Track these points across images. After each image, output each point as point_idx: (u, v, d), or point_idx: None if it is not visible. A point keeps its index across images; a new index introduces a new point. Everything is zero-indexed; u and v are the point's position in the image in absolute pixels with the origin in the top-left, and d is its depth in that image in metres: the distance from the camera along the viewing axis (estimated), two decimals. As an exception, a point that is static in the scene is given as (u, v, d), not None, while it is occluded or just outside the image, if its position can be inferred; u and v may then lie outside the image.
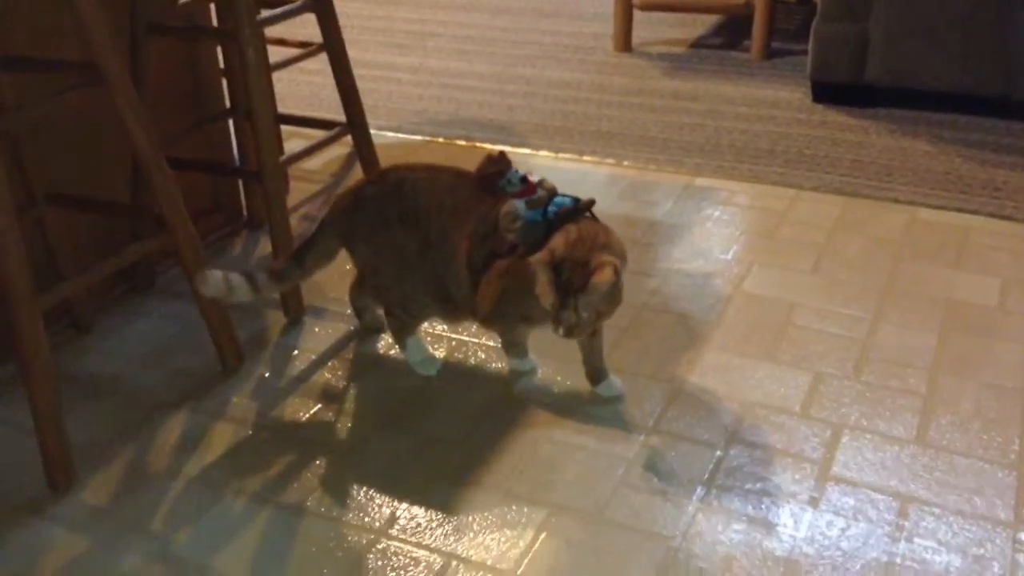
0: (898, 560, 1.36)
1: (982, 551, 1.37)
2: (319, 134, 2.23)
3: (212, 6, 2.27)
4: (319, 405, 1.74)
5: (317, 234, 1.75)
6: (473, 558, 1.39)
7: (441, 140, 2.89)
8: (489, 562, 1.38)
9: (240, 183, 2.42)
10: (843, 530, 1.42)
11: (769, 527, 1.42)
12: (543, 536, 1.42)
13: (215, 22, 2.34)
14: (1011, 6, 2.71)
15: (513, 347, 1.77)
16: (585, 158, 2.73)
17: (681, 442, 1.60)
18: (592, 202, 1.61)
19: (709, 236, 2.28)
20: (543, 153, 2.77)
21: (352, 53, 2.39)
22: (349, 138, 2.33)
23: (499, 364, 1.82)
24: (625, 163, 2.69)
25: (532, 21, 4.15)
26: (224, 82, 2.32)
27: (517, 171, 1.64)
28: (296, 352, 1.90)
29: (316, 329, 1.97)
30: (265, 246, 2.29)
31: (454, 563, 1.38)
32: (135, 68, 1.95)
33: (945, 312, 1.95)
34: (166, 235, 1.71)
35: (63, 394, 1.74)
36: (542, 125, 2.98)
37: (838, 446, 1.58)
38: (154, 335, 1.96)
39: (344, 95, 2.25)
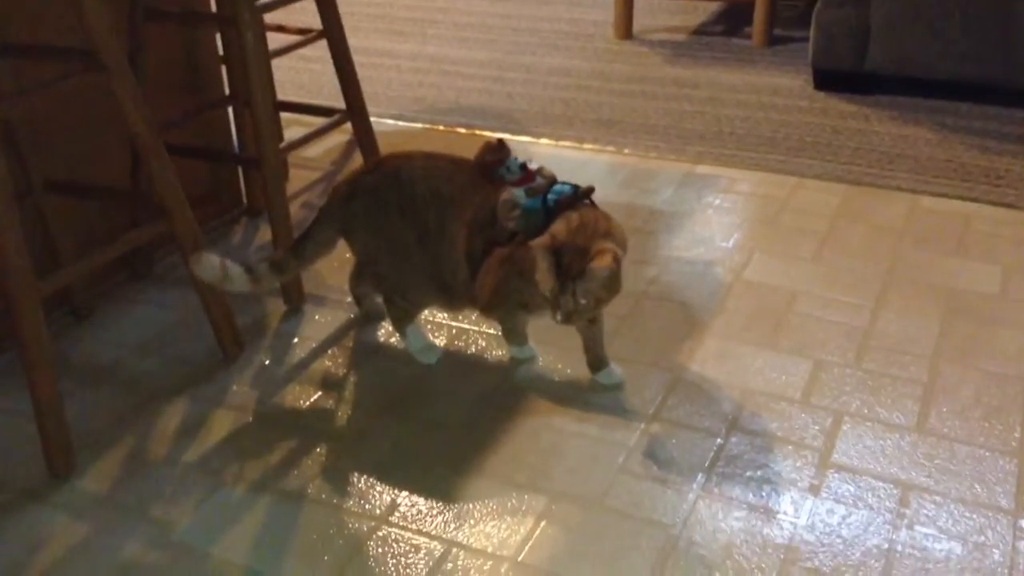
0: (899, 548, 1.36)
1: (983, 539, 1.37)
2: (319, 121, 2.22)
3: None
4: (319, 393, 1.74)
5: (315, 224, 1.74)
6: (473, 545, 1.39)
7: (441, 128, 2.88)
8: (489, 549, 1.38)
9: (239, 170, 2.41)
10: (843, 518, 1.42)
11: (769, 514, 1.42)
12: (543, 523, 1.42)
13: (214, 8, 2.33)
14: (1014, -7, 2.70)
15: (513, 335, 1.77)
16: (586, 146, 2.72)
17: (681, 430, 1.60)
18: (591, 189, 1.60)
19: (710, 224, 2.28)
20: (544, 141, 2.76)
21: (351, 40, 2.38)
22: (349, 125, 2.32)
23: (500, 352, 1.82)
24: (626, 151, 2.68)
25: (532, 8, 4.13)
26: (223, 69, 2.31)
27: (516, 159, 1.63)
28: (296, 340, 1.89)
29: (316, 317, 1.97)
30: (264, 233, 2.29)
31: (454, 550, 1.38)
32: (133, 54, 1.94)
33: (946, 300, 1.94)
34: (165, 222, 1.70)
35: (63, 381, 1.74)
36: (542, 113, 2.97)
37: (839, 434, 1.58)
38: (154, 322, 1.96)
39: (344, 82, 2.24)
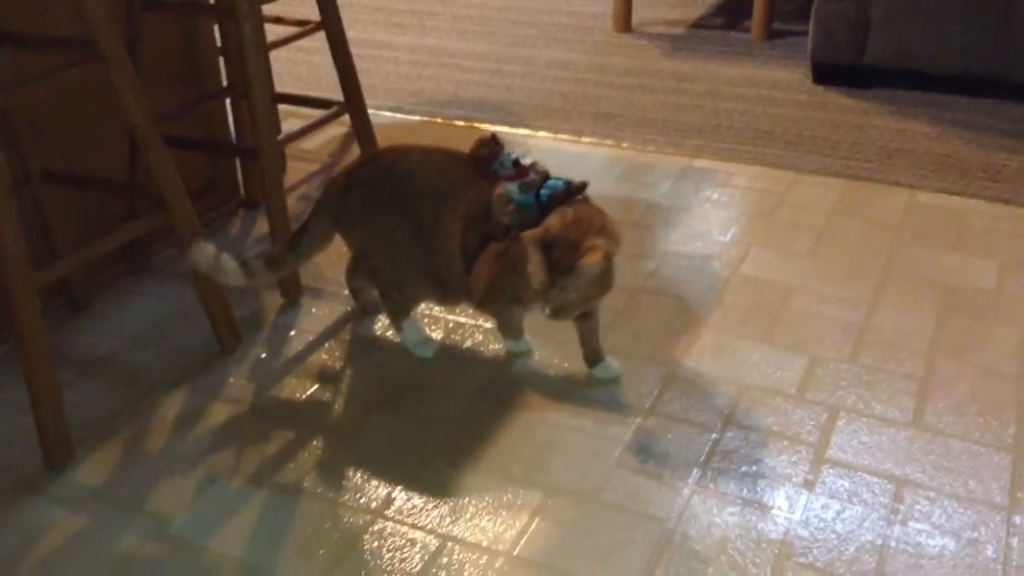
0: (893, 543, 1.37)
1: (976, 534, 1.38)
2: (317, 113, 2.22)
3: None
4: (316, 386, 1.74)
5: (310, 219, 1.74)
6: (469, 539, 1.39)
7: (439, 120, 2.88)
8: (485, 544, 1.39)
9: (237, 162, 2.41)
10: (838, 513, 1.42)
11: (764, 509, 1.43)
12: (539, 518, 1.43)
13: None
14: (1013, -12, 2.70)
15: (508, 329, 1.77)
16: (584, 139, 2.72)
17: (677, 424, 1.61)
18: (585, 184, 1.60)
19: (707, 218, 2.28)
20: (542, 134, 2.76)
21: (350, 32, 2.37)
22: (347, 118, 2.32)
23: (496, 346, 1.82)
24: (624, 144, 2.68)
25: (531, 0, 4.12)
26: (221, 60, 2.31)
27: (509, 154, 1.63)
28: (293, 332, 1.89)
29: (313, 310, 1.97)
30: (262, 225, 2.29)
31: (450, 544, 1.39)
32: (131, 45, 1.94)
33: (943, 295, 1.95)
34: (163, 214, 1.70)
35: (60, 372, 1.74)
36: (541, 106, 2.96)
37: (834, 429, 1.59)
38: (151, 314, 1.96)
39: (342, 74, 2.24)
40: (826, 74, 3.06)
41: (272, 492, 1.49)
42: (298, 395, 1.72)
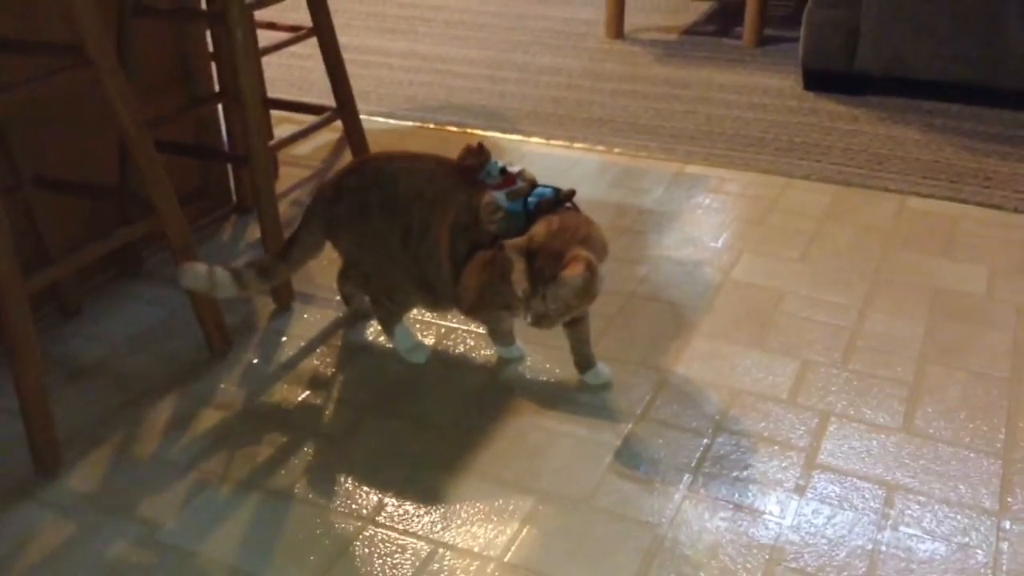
0: (883, 548, 1.37)
1: (967, 539, 1.38)
2: (309, 119, 2.22)
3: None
4: (307, 391, 1.74)
5: (301, 228, 1.75)
6: (460, 545, 1.39)
7: (432, 126, 2.88)
8: (476, 549, 1.38)
9: (229, 167, 2.40)
10: (829, 518, 1.42)
11: (755, 515, 1.43)
12: (530, 524, 1.43)
13: (204, 5, 2.32)
14: (1003, -5, 2.71)
15: (499, 336, 1.77)
16: (576, 145, 2.73)
17: (668, 430, 1.61)
18: (572, 193, 1.60)
19: (699, 224, 2.28)
20: (534, 139, 2.76)
21: (343, 38, 2.38)
22: (339, 123, 2.32)
23: (487, 351, 1.82)
24: (616, 150, 2.69)
25: (524, 7, 4.13)
26: (213, 65, 2.31)
27: (496, 163, 1.63)
28: (284, 338, 1.89)
29: (305, 315, 1.96)
30: (254, 231, 2.28)
31: (441, 551, 1.38)
32: (122, 50, 1.93)
33: (933, 300, 1.95)
34: (154, 219, 1.70)
35: (50, 377, 1.74)
36: (533, 111, 2.97)
37: (825, 434, 1.59)
38: (142, 319, 1.95)
39: (334, 80, 2.24)
40: (817, 81, 3.07)
41: (263, 498, 1.49)
42: (289, 401, 1.71)
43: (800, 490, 1.48)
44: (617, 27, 3.66)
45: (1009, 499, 1.45)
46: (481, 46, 3.62)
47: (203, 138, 2.30)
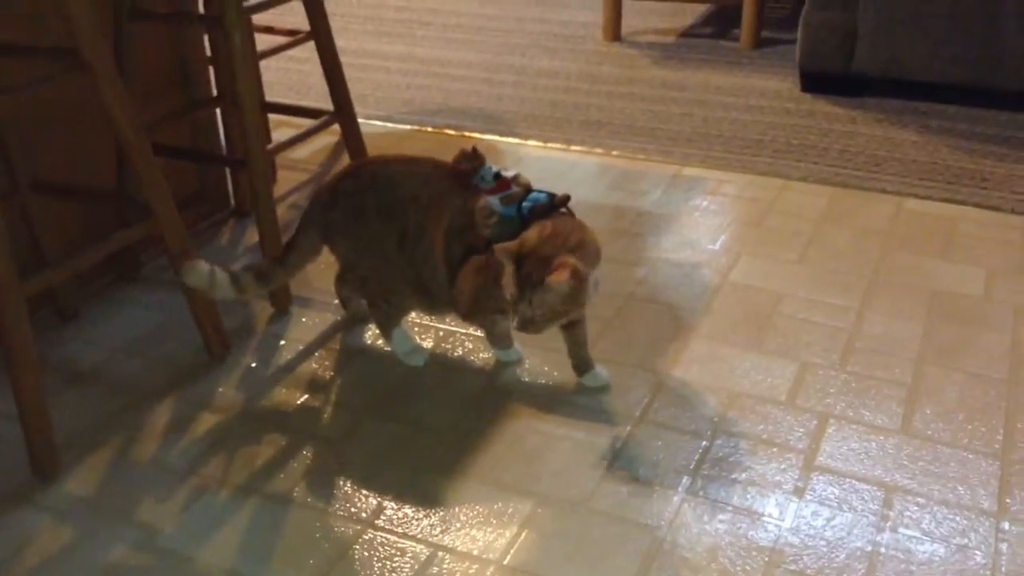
0: (882, 550, 1.37)
1: (965, 541, 1.38)
2: (307, 123, 2.22)
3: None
4: (305, 395, 1.73)
5: (298, 233, 1.75)
6: (459, 549, 1.39)
7: (430, 129, 2.88)
8: (475, 553, 1.38)
9: (227, 171, 2.40)
10: (828, 520, 1.42)
11: (754, 517, 1.43)
12: (529, 527, 1.43)
13: (202, 8, 2.32)
14: (999, -4, 2.72)
15: (496, 339, 1.77)
16: (574, 147, 2.73)
17: (667, 432, 1.61)
18: (567, 198, 1.60)
19: (697, 226, 2.28)
20: (532, 142, 2.77)
21: (340, 41, 2.38)
22: (337, 127, 2.32)
23: (486, 354, 1.82)
24: (614, 152, 2.69)
25: (521, 10, 4.14)
26: (211, 69, 2.31)
27: (491, 168, 1.63)
28: (283, 342, 1.89)
29: (303, 319, 1.96)
30: (252, 235, 2.28)
31: (440, 554, 1.38)
32: (119, 54, 1.93)
33: (931, 302, 1.95)
34: (152, 223, 1.70)
35: (48, 381, 1.73)
36: (531, 114, 2.97)
37: (823, 436, 1.59)
38: (140, 323, 1.95)
39: (332, 84, 2.24)
40: (814, 83, 3.07)
41: (261, 502, 1.49)
42: (288, 404, 1.71)
43: (799, 492, 1.47)
44: (614, 30, 3.66)
45: (1008, 500, 1.45)
46: (478, 49, 3.62)
47: (201, 142, 2.30)
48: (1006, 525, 1.41)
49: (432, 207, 1.63)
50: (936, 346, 1.81)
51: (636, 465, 1.54)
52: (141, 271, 2.14)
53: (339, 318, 1.96)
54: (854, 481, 1.49)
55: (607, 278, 2.05)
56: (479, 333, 1.87)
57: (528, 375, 1.76)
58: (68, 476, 1.55)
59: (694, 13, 4.01)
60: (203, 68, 2.27)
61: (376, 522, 1.44)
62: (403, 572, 1.35)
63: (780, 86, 3.15)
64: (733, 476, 1.51)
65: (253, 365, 1.82)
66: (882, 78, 2.96)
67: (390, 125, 2.92)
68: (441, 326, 1.91)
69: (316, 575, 1.35)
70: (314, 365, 1.82)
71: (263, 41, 2.51)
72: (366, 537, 1.42)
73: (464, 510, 1.46)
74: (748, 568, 1.34)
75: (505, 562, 1.36)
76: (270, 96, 2.88)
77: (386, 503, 1.48)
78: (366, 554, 1.39)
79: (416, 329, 1.90)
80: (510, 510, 1.45)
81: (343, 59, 2.26)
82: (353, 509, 1.47)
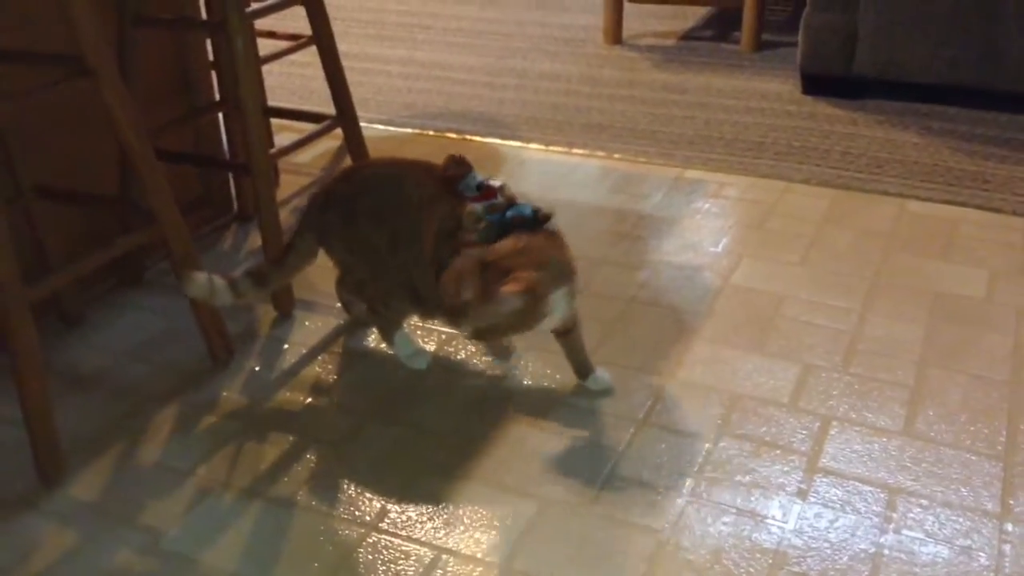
0: (886, 551, 1.37)
1: (969, 542, 1.38)
2: (309, 127, 2.22)
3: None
4: (309, 398, 1.74)
5: (295, 235, 1.75)
6: (463, 551, 1.39)
7: (431, 133, 2.89)
8: (479, 555, 1.39)
9: (230, 176, 2.41)
10: (831, 522, 1.42)
11: (758, 519, 1.43)
12: (532, 529, 1.43)
13: (204, 14, 2.33)
14: (1000, -2, 2.72)
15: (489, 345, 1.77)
16: (575, 150, 2.73)
17: (670, 435, 1.61)
18: (549, 215, 1.59)
19: (699, 228, 2.29)
20: (533, 145, 2.77)
21: (342, 46, 2.38)
22: (339, 131, 2.32)
23: (488, 357, 1.83)
24: (615, 155, 2.69)
25: (522, 13, 4.14)
26: (214, 74, 2.31)
27: (475, 176, 1.62)
28: (286, 346, 1.89)
29: (306, 323, 1.97)
30: (255, 239, 2.29)
31: (444, 556, 1.39)
32: (122, 60, 1.94)
33: (933, 304, 1.96)
34: (155, 228, 1.70)
35: (52, 387, 1.74)
36: (532, 117, 2.97)
37: (826, 438, 1.59)
38: (144, 328, 1.96)
39: (334, 88, 2.24)
40: (815, 85, 3.07)
41: (265, 505, 1.49)
42: (291, 408, 1.71)
43: (802, 494, 1.48)
44: (615, 33, 3.67)
45: (1011, 501, 1.45)
46: (479, 53, 3.63)
47: (203, 147, 2.31)
48: (1009, 527, 1.41)
49: (423, 210, 1.63)
50: (938, 348, 1.82)
51: (639, 468, 1.54)
52: (145, 276, 2.14)
53: (342, 322, 1.96)
54: (857, 483, 1.49)
55: (609, 281, 2.06)
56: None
57: (531, 378, 1.77)
58: (73, 480, 1.55)
59: (695, 16, 4.01)
60: (205, 73, 2.28)
61: (380, 525, 1.45)
62: (407, 575, 1.36)
63: (781, 88, 3.15)
64: (736, 478, 1.51)
65: (257, 369, 1.82)
66: (883, 80, 2.96)
67: (392, 129, 2.92)
68: (443, 329, 1.92)
69: (320, 578, 1.36)
70: (317, 369, 1.82)
71: (265, 46, 2.52)
72: (370, 540, 1.42)
73: (467, 513, 1.46)
74: (752, 570, 1.34)
75: (509, 564, 1.37)
76: (272, 100, 2.88)
77: (390, 506, 1.48)
78: (370, 557, 1.39)
79: (419, 332, 1.91)
80: (513, 513, 1.46)
81: (344, 63, 2.26)
82: (357, 512, 1.47)
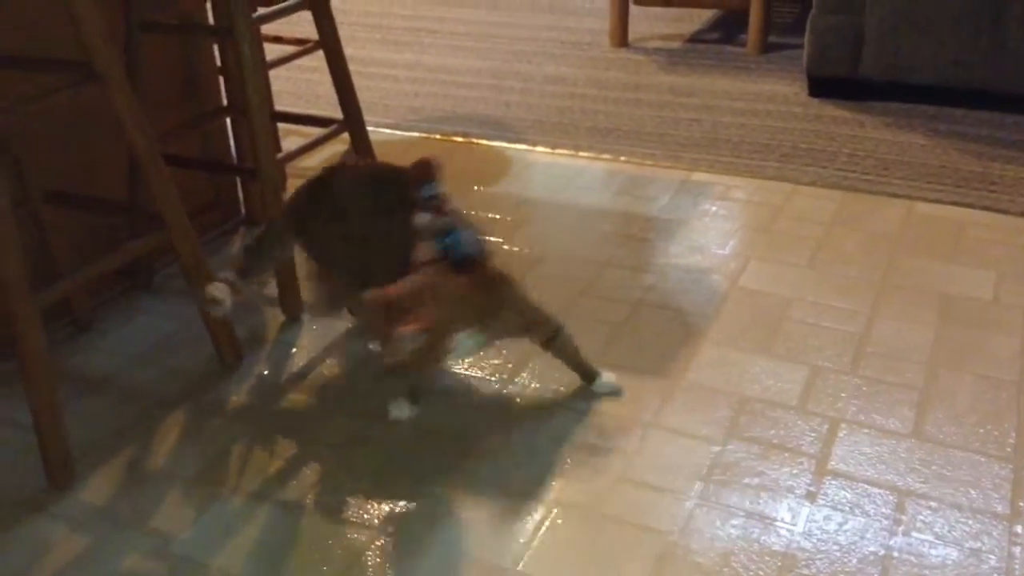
0: (895, 554, 1.37)
1: (979, 544, 1.38)
2: (316, 131, 2.23)
3: (208, 3, 2.27)
4: (317, 402, 1.74)
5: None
6: (472, 555, 1.39)
7: (438, 137, 2.89)
8: (488, 559, 1.39)
9: (238, 181, 2.42)
10: (840, 524, 1.42)
11: (767, 522, 1.43)
12: (542, 532, 1.43)
13: (211, 18, 2.34)
14: (1007, -1, 2.72)
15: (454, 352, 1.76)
16: (582, 153, 2.73)
17: (678, 437, 1.61)
18: (479, 258, 1.57)
19: (706, 231, 2.28)
20: (540, 149, 2.77)
21: (348, 50, 2.39)
22: (346, 135, 2.33)
23: (496, 360, 1.83)
24: (622, 158, 2.69)
25: (528, 17, 4.15)
26: (221, 79, 2.32)
27: (432, 189, 1.59)
28: (294, 349, 1.90)
29: (313, 327, 1.97)
30: (262, 243, 2.29)
31: (453, 559, 1.39)
32: (130, 65, 1.95)
33: (941, 305, 1.95)
34: (163, 232, 1.71)
35: (62, 391, 1.74)
36: (539, 121, 2.98)
37: (835, 440, 1.59)
38: (153, 333, 1.96)
39: (340, 92, 2.25)
40: (822, 87, 3.07)
41: (274, 509, 1.49)
42: (299, 411, 1.72)
43: (811, 497, 1.48)
44: (621, 36, 3.67)
45: (1021, 503, 1.45)
46: (485, 56, 3.63)
47: (210, 151, 2.31)
48: (1019, 529, 1.41)
49: (382, 215, 1.63)
50: (947, 350, 1.81)
51: (648, 470, 1.54)
52: (154, 280, 2.15)
53: (349, 325, 1.96)
54: (866, 485, 1.49)
55: (616, 284, 2.06)
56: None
57: (539, 380, 1.77)
58: (83, 485, 1.56)
59: (701, 19, 4.01)
60: (213, 78, 2.29)
61: (388, 528, 1.45)
62: (416, 578, 1.36)
63: (787, 91, 3.15)
64: (745, 481, 1.51)
65: (265, 373, 1.83)
66: (889, 82, 2.96)
67: (398, 133, 2.93)
68: (451, 333, 1.92)
69: (330, 582, 1.36)
70: (325, 372, 1.82)
71: (272, 50, 2.53)
72: (378, 543, 1.42)
73: (476, 516, 1.46)
74: (761, 573, 1.34)
75: (518, 568, 1.37)
76: (279, 105, 2.89)
77: (398, 509, 1.48)
78: (378, 560, 1.39)
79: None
80: (522, 516, 1.46)
81: (351, 67, 2.26)
82: (365, 515, 1.47)
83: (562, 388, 1.74)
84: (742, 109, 3.01)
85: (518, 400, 1.72)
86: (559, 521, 1.44)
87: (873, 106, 2.98)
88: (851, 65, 2.95)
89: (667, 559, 1.37)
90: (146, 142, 1.63)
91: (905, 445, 1.58)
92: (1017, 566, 1.34)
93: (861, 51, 2.92)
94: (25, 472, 1.58)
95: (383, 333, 1.45)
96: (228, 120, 2.35)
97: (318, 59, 2.72)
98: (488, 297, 1.57)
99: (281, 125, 2.70)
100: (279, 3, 2.04)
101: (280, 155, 2.09)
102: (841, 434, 1.60)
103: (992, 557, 1.36)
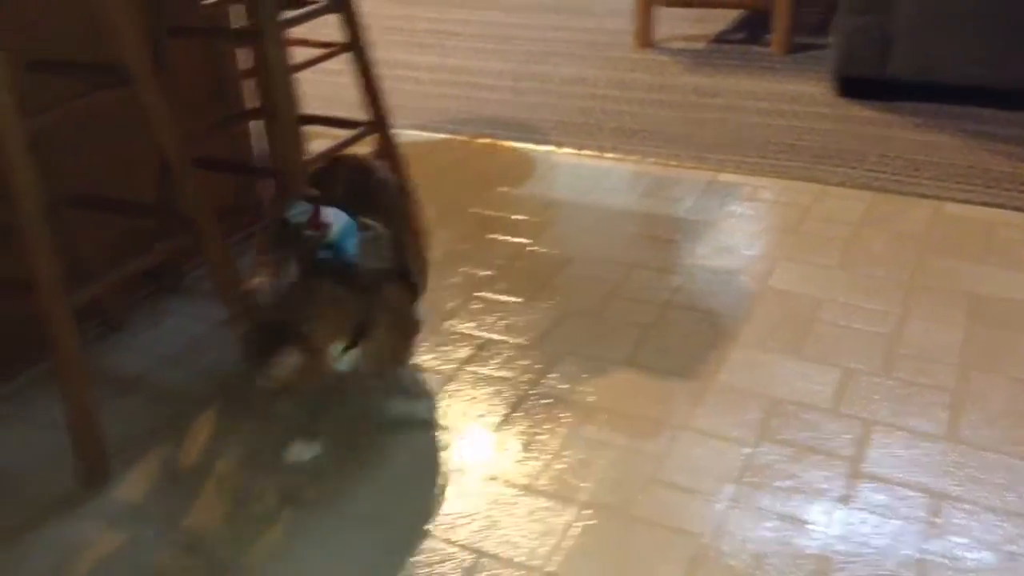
0: (930, 557, 1.35)
1: (1015, 547, 1.36)
2: (343, 133, 2.24)
3: (234, 6, 2.28)
4: (346, 403, 1.74)
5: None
6: (502, 555, 1.39)
7: (463, 138, 2.90)
8: (519, 559, 1.38)
9: (264, 182, 2.43)
10: (875, 527, 1.41)
11: (800, 525, 1.42)
12: (572, 533, 1.42)
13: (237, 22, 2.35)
14: (1037, -2, 2.69)
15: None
16: (607, 155, 2.73)
17: (709, 439, 1.60)
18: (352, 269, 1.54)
19: (733, 232, 2.27)
20: (565, 150, 2.77)
21: (373, 53, 2.39)
22: (372, 137, 2.34)
23: (524, 361, 1.83)
24: (648, 159, 2.69)
25: (551, 18, 4.15)
26: (249, 83, 2.33)
27: (299, 213, 1.55)
28: (323, 351, 1.90)
29: (342, 328, 1.98)
30: (290, 245, 2.30)
31: (483, 560, 1.39)
32: (158, 69, 1.96)
33: (971, 306, 1.93)
34: (191, 235, 1.72)
35: (95, 392, 1.76)
36: (563, 122, 2.97)
37: (869, 443, 1.58)
38: (183, 334, 1.97)
39: (367, 95, 2.26)
40: (849, 87, 3.05)
41: (304, 509, 1.50)
42: (329, 413, 1.72)
43: (845, 500, 1.46)
44: (646, 36, 3.66)
45: (1058, 507, 1.43)
46: (509, 58, 3.64)
47: (237, 154, 2.33)
48: (1057, 532, 1.39)
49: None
50: (978, 351, 1.79)
51: (680, 472, 1.53)
52: (183, 282, 2.16)
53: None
54: (901, 488, 1.48)
55: (644, 286, 2.05)
56: (523, 339, 1.87)
57: (568, 382, 1.76)
58: (116, 484, 1.57)
59: (726, 19, 4.00)
60: (238, 82, 2.30)
61: (418, 528, 1.45)
62: (448, 579, 1.36)
63: (814, 91, 3.13)
64: (777, 483, 1.50)
65: (294, 374, 1.83)
66: (918, 82, 2.93)
67: (424, 134, 2.93)
68: (480, 334, 1.92)
69: (362, 582, 1.36)
70: (354, 374, 1.83)
71: (301, 53, 2.54)
72: (408, 543, 1.42)
73: (507, 517, 1.46)
74: (795, 576, 1.33)
75: (548, 568, 1.36)
76: (306, 108, 2.90)
77: (428, 509, 1.48)
78: (408, 559, 1.39)
79: (453, 336, 1.91)
80: (553, 517, 1.46)
81: (376, 70, 2.27)
82: (396, 515, 1.48)
83: (593, 389, 1.74)
84: (768, 110, 3.00)
85: (549, 401, 1.72)
86: (589, 522, 1.44)
87: (902, 106, 2.96)
88: (879, 65, 2.93)
89: (699, 561, 1.36)
90: (175, 145, 1.64)
91: (939, 447, 1.56)
92: (1055, 570, 1.33)
93: (889, 51, 2.90)
94: (59, 471, 1.60)
95: (260, 359, 1.43)
96: (256, 123, 2.36)
97: (341, 62, 2.73)
98: (350, 312, 1.52)
99: (309, 128, 2.71)
100: (306, 6, 2.05)
101: (307, 157, 2.10)
102: (875, 436, 1.59)
103: (1030, 561, 1.34)
